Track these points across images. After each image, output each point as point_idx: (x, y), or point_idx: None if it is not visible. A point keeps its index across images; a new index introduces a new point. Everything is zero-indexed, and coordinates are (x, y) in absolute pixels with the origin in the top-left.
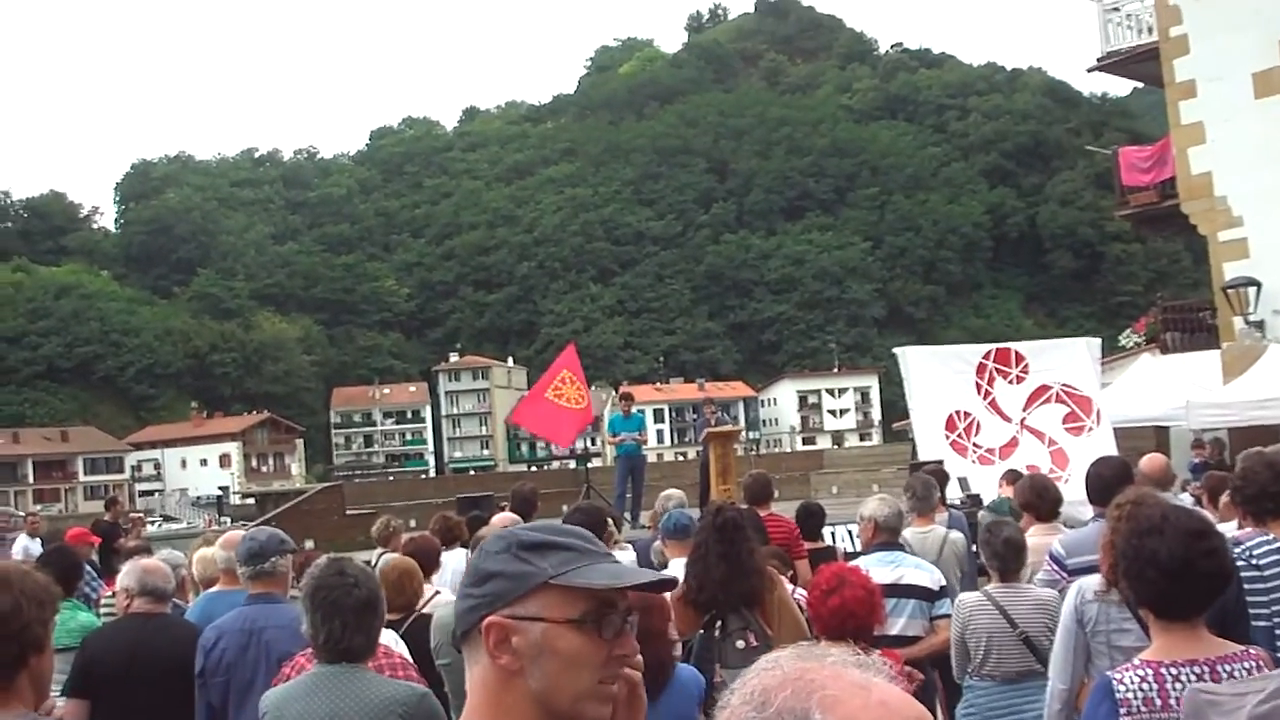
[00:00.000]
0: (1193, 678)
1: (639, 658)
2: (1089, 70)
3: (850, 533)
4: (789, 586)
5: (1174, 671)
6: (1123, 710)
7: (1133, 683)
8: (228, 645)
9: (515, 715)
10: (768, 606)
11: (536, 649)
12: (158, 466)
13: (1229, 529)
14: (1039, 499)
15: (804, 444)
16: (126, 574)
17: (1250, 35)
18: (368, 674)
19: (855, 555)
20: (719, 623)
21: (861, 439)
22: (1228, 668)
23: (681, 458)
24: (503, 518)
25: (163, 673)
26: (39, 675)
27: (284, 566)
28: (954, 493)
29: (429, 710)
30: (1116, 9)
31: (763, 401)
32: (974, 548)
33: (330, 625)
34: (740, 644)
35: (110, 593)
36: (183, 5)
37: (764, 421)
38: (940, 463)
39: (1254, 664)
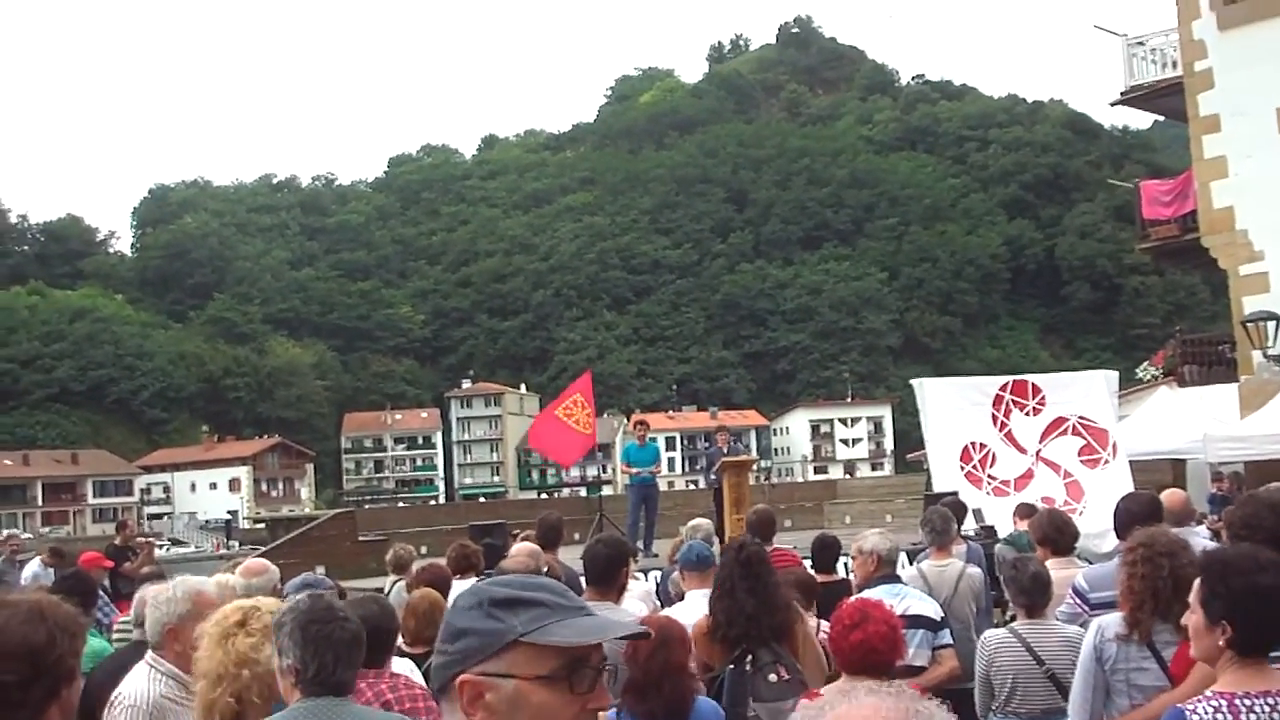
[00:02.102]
0: (1266, 709)
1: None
2: (1113, 104)
3: None
4: (813, 620)
5: (1248, 703)
6: None
7: (1206, 713)
8: None
9: None
10: (795, 640)
11: (510, 705)
12: (167, 490)
13: None
14: (1058, 533)
15: (816, 473)
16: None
17: (1275, 70)
18: (355, 707)
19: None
20: (749, 656)
21: (874, 469)
22: None
23: (693, 486)
24: (523, 547)
25: None
26: (69, 706)
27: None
28: (969, 525)
29: None
30: (1141, 43)
31: (775, 430)
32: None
33: (323, 658)
34: (773, 677)
35: (123, 619)
36: (202, 31)
37: (776, 450)
38: (955, 494)
39: None
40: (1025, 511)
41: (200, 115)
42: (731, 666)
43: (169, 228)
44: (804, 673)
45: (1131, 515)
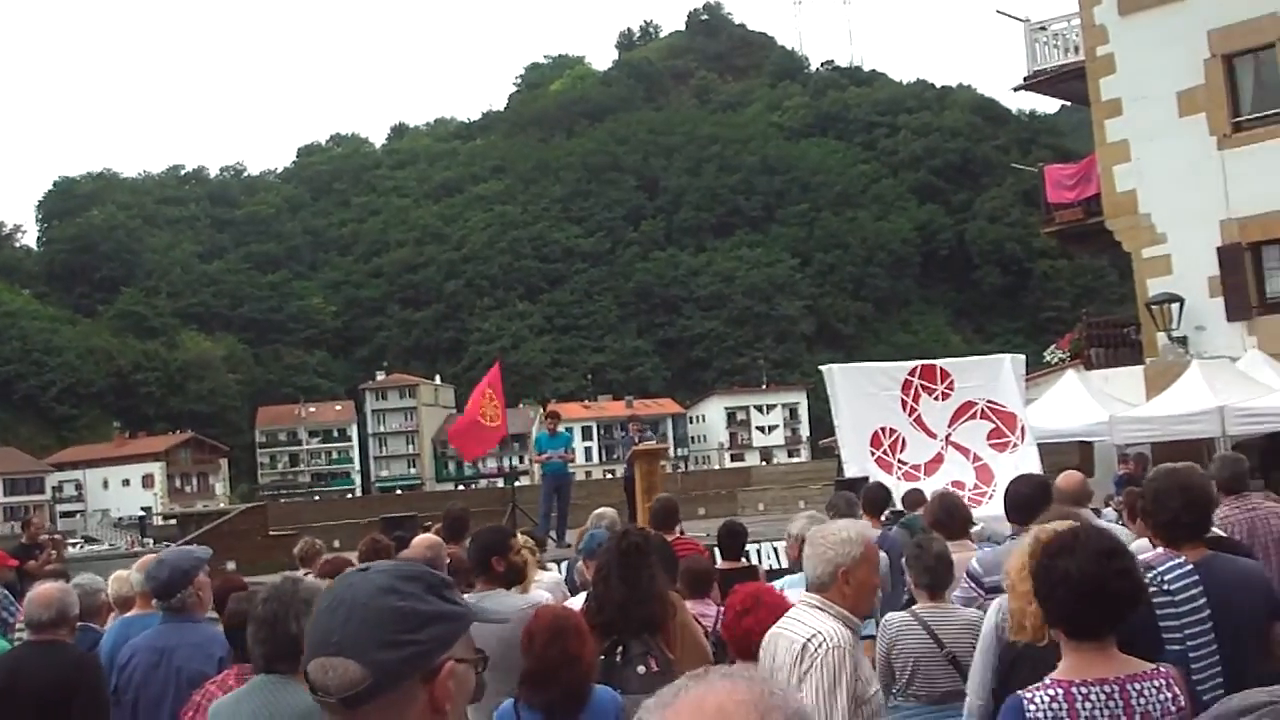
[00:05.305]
0: (1102, 697)
1: None
2: (1015, 89)
3: (776, 550)
4: (714, 608)
5: (1084, 690)
6: None
7: (1043, 702)
8: (139, 663)
9: None
10: (670, 632)
11: (458, 688)
12: (79, 487)
13: (1145, 544)
14: (949, 517)
15: (733, 460)
16: None
17: (1175, 55)
18: (295, 684)
19: (780, 573)
20: (620, 648)
21: (790, 455)
22: (1137, 686)
23: (610, 476)
24: (423, 539)
25: (37, 701)
26: None
27: (192, 598)
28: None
29: None
30: (1043, 28)
31: (691, 418)
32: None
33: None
34: (641, 669)
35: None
36: (104, 19)
37: (693, 438)
38: (865, 479)
39: (1164, 682)
40: (912, 501)
41: (105, 105)
42: (602, 657)
43: (75, 221)
44: (680, 666)
45: (1021, 497)
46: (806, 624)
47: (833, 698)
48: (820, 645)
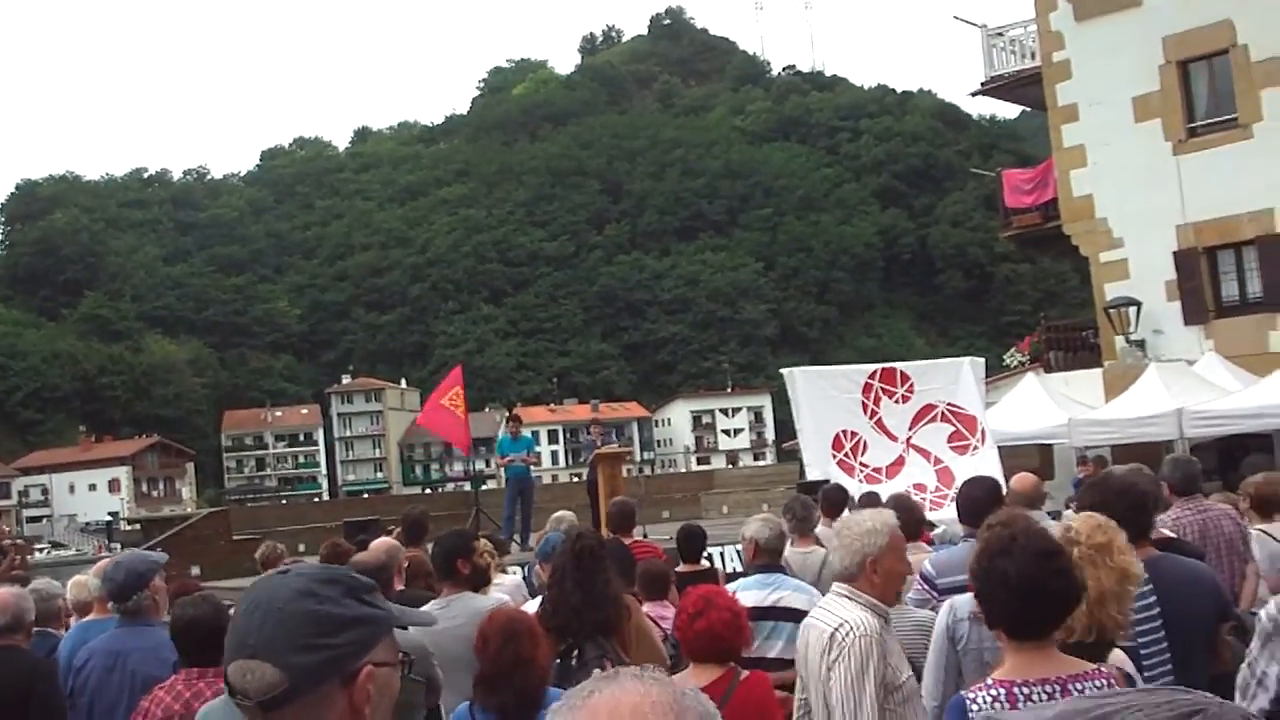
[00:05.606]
0: (1044, 696)
1: None
2: (973, 94)
3: (739, 552)
4: (673, 610)
5: (1026, 690)
6: None
7: (985, 702)
8: (94, 667)
9: None
10: (625, 634)
11: (380, 694)
12: (45, 492)
13: None
14: (902, 519)
15: (698, 464)
16: None
17: (1130, 61)
18: None
19: (738, 575)
20: (575, 651)
21: (755, 458)
22: (1079, 686)
23: (575, 479)
24: (381, 542)
25: None
26: None
27: (148, 600)
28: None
29: None
30: (1000, 34)
31: (657, 422)
32: None
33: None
34: (597, 672)
35: None
36: (66, 22)
37: (658, 442)
38: (826, 482)
39: (1105, 682)
40: (868, 503)
41: (68, 108)
42: (557, 660)
43: (38, 224)
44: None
45: (973, 500)
46: (835, 614)
47: (860, 684)
48: (848, 634)
